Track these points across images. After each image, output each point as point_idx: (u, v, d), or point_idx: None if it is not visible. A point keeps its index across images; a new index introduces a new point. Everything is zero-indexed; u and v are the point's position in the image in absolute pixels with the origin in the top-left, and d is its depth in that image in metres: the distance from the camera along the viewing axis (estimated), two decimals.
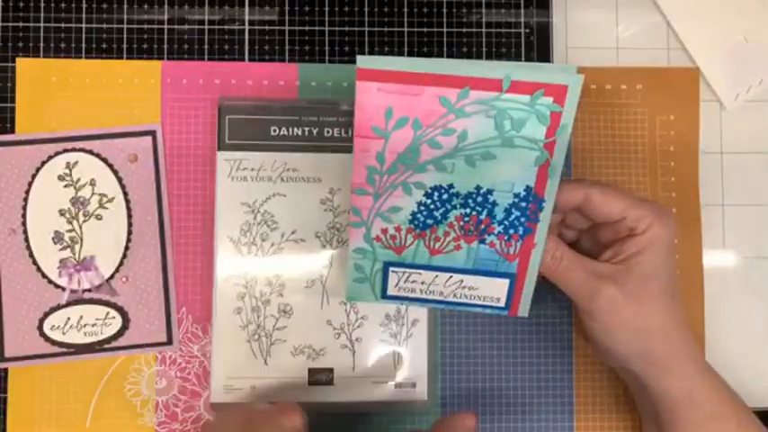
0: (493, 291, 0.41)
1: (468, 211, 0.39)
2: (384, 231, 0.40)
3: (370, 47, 0.48)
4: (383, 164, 0.38)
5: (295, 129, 0.45)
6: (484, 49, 0.48)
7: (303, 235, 0.45)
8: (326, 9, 0.48)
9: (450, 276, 0.41)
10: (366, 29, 0.48)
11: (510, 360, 0.47)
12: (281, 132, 0.45)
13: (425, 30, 0.48)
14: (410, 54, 0.48)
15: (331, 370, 0.45)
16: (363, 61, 0.35)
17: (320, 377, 0.45)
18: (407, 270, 0.41)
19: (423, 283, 0.41)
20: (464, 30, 0.48)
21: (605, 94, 0.48)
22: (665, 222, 0.39)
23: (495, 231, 0.39)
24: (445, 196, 0.38)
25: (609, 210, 0.39)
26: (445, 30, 0.48)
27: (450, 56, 0.48)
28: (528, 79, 0.35)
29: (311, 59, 0.48)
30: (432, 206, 0.39)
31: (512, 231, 0.39)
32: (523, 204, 0.38)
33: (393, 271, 0.41)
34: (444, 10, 0.48)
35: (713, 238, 0.48)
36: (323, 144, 0.45)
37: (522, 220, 0.38)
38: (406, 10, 0.48)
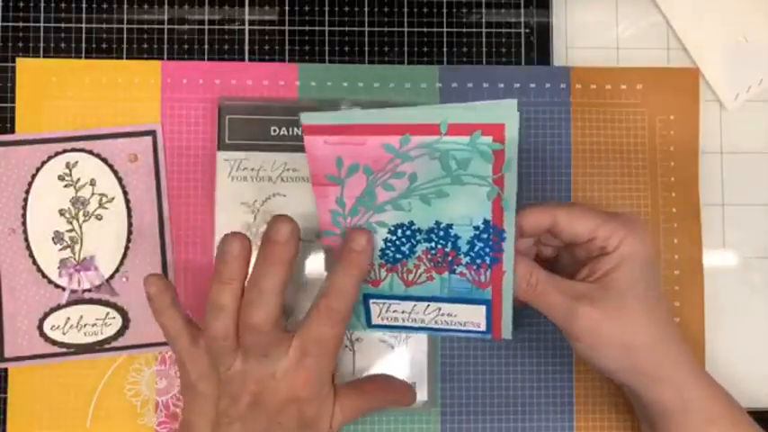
0: (471, 316, 0.42)
1: (433, 245, 0.39)
2: None
3: (370, 47, 0.48)
4: (344, 207, 0.39)
5: (295, 129, 0.45)
6: (484, 48, 0.48)
7: (303, 235, 0.45)
8: (326, 9, 0.48)
9: (428, 305, 0.41)
10: (366, 29, 0.48)
11: (510, 360, 0.47)
12: (281, 132, 0.45)
13: (425, 30, 0.48)
14: (409, 55, 0.48)
15: None
16: (306, 118, 0.36)
17: None
18: (387, 301, 0.42)
19: (403, 312, 0.42)
20: (464, 30, 0.48)
21: (605, 94, 0.48)
22: (637, 236, 0.39)
23: (463, 262, 0.39)
24: (408, 232, 0.39)
25: (576, 231, 0.39)
26: (445, 30, 0.48)
27: (450, 56, 0.48)
28: (464, 122, 0.35)
29: (311, 59, 0.48)
30: (397, 242, 0.40)
31: (479, 261, 0.39)
32: (485, 236, 0.38)
33: (374, 302, 0.42)
34: (444, 10, 0.48)
35: (713, 238, 0.48)
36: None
37: (487, 250, 0.39)
38: (406, 10, 0.48)
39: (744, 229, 0.49)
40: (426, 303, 0.41)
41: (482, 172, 0.36)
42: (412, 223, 0.39)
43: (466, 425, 0.46)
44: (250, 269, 0.39)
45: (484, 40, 0.48)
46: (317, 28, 0.48)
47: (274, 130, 0.45)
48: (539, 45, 0.48)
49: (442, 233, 0.39)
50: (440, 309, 0.42)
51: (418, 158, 0.37)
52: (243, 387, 0.38)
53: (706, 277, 0.48)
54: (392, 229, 0.39)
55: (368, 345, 0.45)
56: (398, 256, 0.40)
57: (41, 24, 0.47)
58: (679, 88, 0.49)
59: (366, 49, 0.48)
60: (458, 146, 0.36)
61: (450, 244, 0.39)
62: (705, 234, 0.48)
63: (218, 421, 0.39)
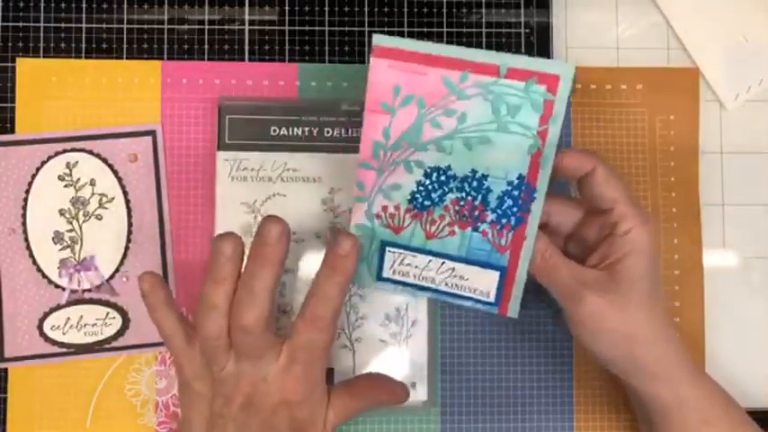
0: (483, 283, 0.42)
1: (463, 195, 0.40)
2: (384, 209, 0.41)
3: (370, 47, 0.48)
4: (388, 140, 0.40)
5: (295, 129, 0.45)
6: (484, 49, 0.48)
7: (303, 235, 0.45)
8: (326, 9, 0.48)
9: (443, 263, 0.41)
10: (366, 29, 0.48)
11: (510, 360, 0.47)
12: (281, 132, 0.45)
13: (425, 30, 0.48)
14: None
15: (331, 370, 0.45)
16: (379, 39, 0.38)
17: None
18: (403, 252, 0.42)
19: (416, 267, 0.42)
20: (464, 30, 0.48)
21: (605, 94, 0.48)
22: (647, 229, 0.39)
23: (488, 219, 0.40)
24: (443, 178, 0.40)
25: (605, 193, 0.39)
26: (445, 30, 0.48)
27: None
28: (523, 67, 0.37)
29: (311, 59, 0.48)
30: (430, 187, 0.40)
31: (504, 221, 0.40)
32: (516, 193, 0.39)
33: (389, 251, 0.42)
34: (444, 10, 0.48)
35: (713, 238, 0.48)
36: (323, 144, 0.45)
37: (515, 209, 0.39)
38: (406, 10, 0.48)
39: (744, 229, 0.49)
40: (441, 261, 0.41)
41: (529, 122, 0.38)
42: (449, 168, 0.40)
43: (466, 425, 0.46)
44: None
45: (484, 40, 0.48)
46: (316, 28, 0.48)
47: (274, 130, 0.45)
48: (539, 45, 0.48)
49: (475, 183, 0.40)
50: (453, 269, 0.42)
51: (473, 98, 0.38)
52: (236, 388, 0.39)
53: (706, 277, 0.48)
54: (428, 171, 0.40)
55: (368, 345, 0.45)
56: (427, 202, 0.40)
57: (41, 24, 0.47)
58: (679, 88, 0.49)
59: (366, 49, 0.48)
60: (512, 90, 0.38)
61: (480, 197, 0.40)
62: (705, 234, 0.48)
63: (212, 421, 0.39)
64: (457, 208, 0.40)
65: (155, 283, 0.40)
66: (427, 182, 0.40)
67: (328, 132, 0.46)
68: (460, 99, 0.38)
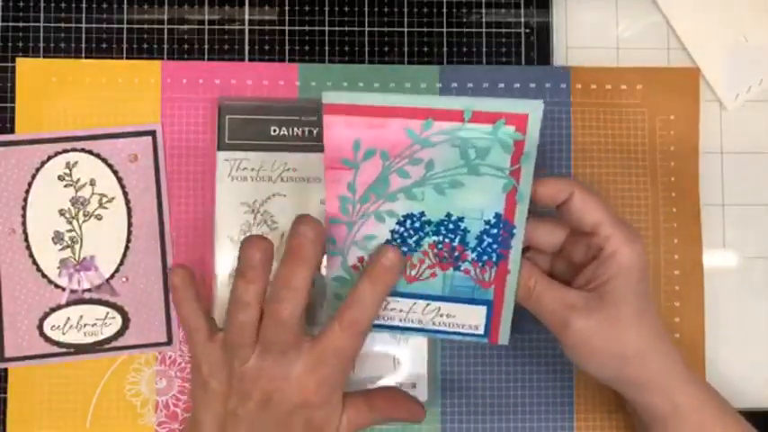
0: (470, 318, 0.41)
1: (440, 238, 0.39)
2: (360, 260, 0.40)
3: (370, 47, 0.48)
4: (355, 193, 0.39)
5: (295, 129, 0.45)
6: (484, 48, 0.48)
7: None
8: (326, 9, 0.48)
9: (428, 304, 0.41)
10: (366, 29, 0.48)
11: (510, 360, 0.47)
12: (281, 132, 0.45)
13: (425, 30, 0.48)
14: (410, 54, 0.48)
15: None
16: (329, 96, 0.36)
17: None
18: (386, 298, 0.41)
19: (401, 311, 0.42)
20: (464, 30, 0.48)
21: (605, 94, 0.48)
22: (634, 248, 0.39)
23: (469, 258, 0.39)
24: (417, 224, 0.39)
25: (585, 217, 0.39)
26: (445, 30, 0.48)
27: (450, 56, 0.48)
28: (489, 110, 0.36)
29: (311, 59, 0.48)
30: (405, 234, 0.39)
31: (485, 258, 0.39)
32: (494, 231, 0.39)
33: None
34: (444, 10, 0.48)
35: (713, 238, 0.48)
36: (323, 144, 0.45)
37: (495, 246, 0.39)
38: (406, 10, 0.48)
39: (744, 229, 0.49)
40: (426, 302, 0.41)
41: (500, 163, 0.37)
42: (422, 214, 0.39)
43: (466, 425, 0.46)
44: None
45: (484, 40, 0.48)
46: (317, 28, 0.48)
47: (274, 130, 0.45)
48: (539, 45, 0.48)
49: (451, 226, 0.39)
50: (439, 308, 0.41)
51: (438, 145, 0.37)
52: (255, 384, 0.39)
53: (706, 277, 0.48)
54: (401, 219, 0.39)
55: (368, 345, 0.45)
56: (404, 249, 0.40)
57: (41, 24, 0.47)
58: (679, 88, 0.49)
59: (366, 49, 0.48)
60: (479, 134, 0.36)
61: (458, 238, 0.39)
62: (705, 234, 0.48)
63: (225, 421, 0.39)
64: (435, 251, 0.40)
65: (185, 277, 0.42)
66: (401, 229, 0.39)
67: None
68: (425, 147, 0.37)
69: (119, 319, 0.46)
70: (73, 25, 0.47)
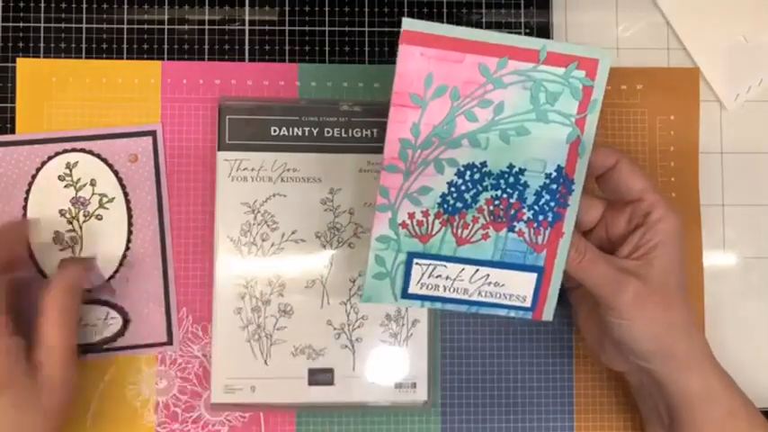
0: (519, 287, 0.39)
1: (498, 193, 0.38)
2: (411, 216, 0.38)
3: (370, 47, 0.48)
4: (417, 137, 0.37)
5: (295, 129, 0.45)
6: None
7: (303, 235, 0.45)
8: (326, 9, 0.48)
9: (477, 270, 0.39)
10: (366, 29, 0.48)
11: (510, 360, 0.47)
12: (281, 132, 0.45)
13: None
14: None
15: (331, 370, 0.45)
16: (409, 24, 0.35)
17: (320, 377, 0.45)
18: (432, 262, 0.38)
19: (447, 278, 0.39)
20: None
21: (605, 94, 0.48)
22: (678, 218, 0.39)
23: (525, 217, 0.38)
24: (477, 176, 0.38)
25: (632, 184, 0.39)
26: None
27: None
28: (562, 51, 0.36)
29: (311, 59, 0.48)
30: (463, 187, 0.38)
31: (541, 217, 0.38)
32: (554, 186, 0.38)
33: (417, 263, 0.38)
34: (444, 10, 0.48)
35: (713, 238, 0.48)
36: (323, 144, 0.45)
37: (552, 204, 0.38)
38: (406, 10, 0.48)
39: (744, 229, 0.49)
40: (475, 268, 0.39)
41: (568, 109, 0.37)
42: (484, 164, 0.38)
43: (466, 425, 0.46)
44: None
45: None
46: (317, 28, 0.48)
47: (274, 130, 0.45)
48: None
49: (512, 179, 0.38)
50: (488, 275, 0.39)
51: (510, 86, 0.37)
52: None
53: (706, 277, 0.48)
54: (461, 169, 0.37)
55: (368, 345, 0.45)
56: (459, 204, 0.38)
57: (41, 24, 0.47)
58: (679, 88, 0.49)
59: (366, 49, 0.48)
60: (551, 76, 0.37)
61: (516, 193, 0.38)
62: (705, 234, 0.48)
63: None
64: (491, 208, 0.38)
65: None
66: (460, 181, 0.38)
67: (328, 132, 0.46)
68: (497, 88, 0.36)
69: (119, 319, 0.46)
70: (73, 25, 0.47)
